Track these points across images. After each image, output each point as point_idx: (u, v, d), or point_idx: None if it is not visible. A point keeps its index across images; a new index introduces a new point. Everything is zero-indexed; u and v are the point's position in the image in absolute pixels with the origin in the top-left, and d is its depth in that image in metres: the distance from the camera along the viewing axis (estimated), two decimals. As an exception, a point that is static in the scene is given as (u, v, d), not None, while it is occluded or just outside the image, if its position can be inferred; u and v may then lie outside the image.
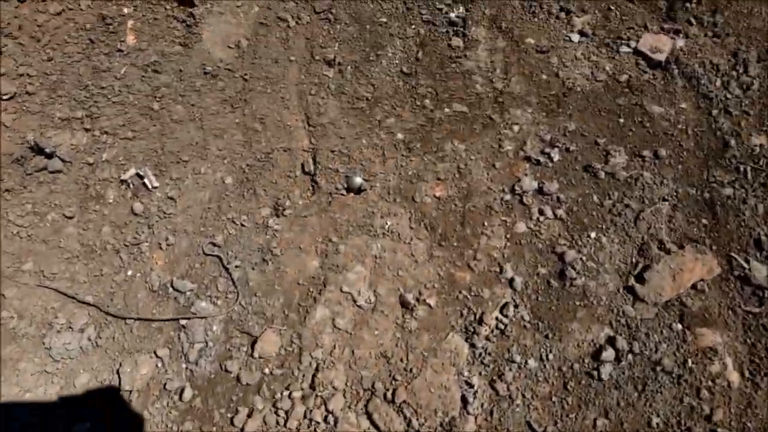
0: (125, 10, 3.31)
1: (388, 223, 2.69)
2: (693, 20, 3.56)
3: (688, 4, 3.58)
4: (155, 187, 2.70)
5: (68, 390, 2.36)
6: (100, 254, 2.57)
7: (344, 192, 2.76)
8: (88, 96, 3.05)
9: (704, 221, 2.83)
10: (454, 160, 2.93)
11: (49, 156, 2.81)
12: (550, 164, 2.95)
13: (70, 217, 2.65)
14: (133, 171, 2.75)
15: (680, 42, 3.42)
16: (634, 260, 2.74)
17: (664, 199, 2.90)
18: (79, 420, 2.29)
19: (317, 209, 2.74)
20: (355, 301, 2.47)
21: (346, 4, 3.39)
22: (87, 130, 2.96)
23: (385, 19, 3.37)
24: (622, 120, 3.09)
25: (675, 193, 2.89)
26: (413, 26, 3.37)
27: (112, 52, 3.20)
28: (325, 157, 2.90)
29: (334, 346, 2.42)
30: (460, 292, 2.56)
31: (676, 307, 2.63)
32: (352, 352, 2.39)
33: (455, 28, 3.41)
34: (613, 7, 3.53)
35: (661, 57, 3.34)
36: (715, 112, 3.16)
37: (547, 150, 2.99)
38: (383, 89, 3.18)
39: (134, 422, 2.27)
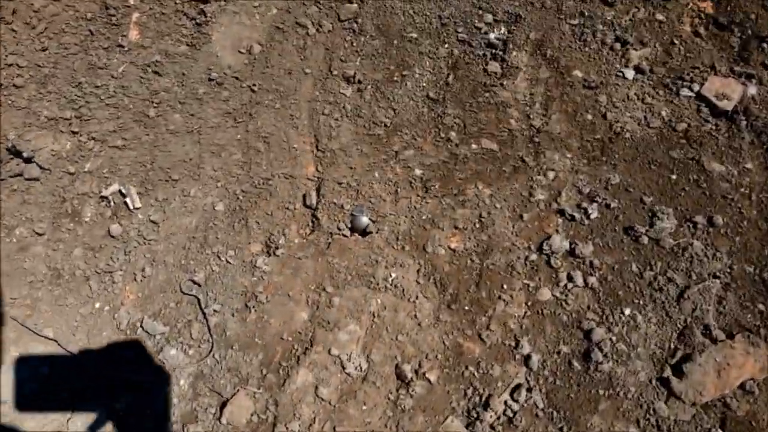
0: (131, 1, 3.05)
1: (393, 275, 2.38)
2: (769, 64, 3.14)
3: (765, 44, 3.16)
4: (137, 209, 2.44)
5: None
6: (68, 280, 2.33)
7: (347, 233, 2.47)
8: (80, 95, 2.81)
9: (761, 306, 2.46)
10: (476, 206, 2.60)
11: (27, 160, 2.57)
12: (586, 221, 2.60)
13: (41, 234, 2.41)
14: (115, 187, 2.50)
15: (752, 89, 3.02)
16: (672, 346, 2.39)
17: (715, 276, 2.53)
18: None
19: (314, 251, 2.45)
20: (343, 367, 2.18)
21: (374, 14, 3.08)
22: (74, 133, 2.72)
23: (415, 35, 3.04)
24: (674, 176, 2.72)
25: (729, 270, 2.52)
26: (446, 45, 3.04)
27: (112, 47, 2.95)
28: (330, 190, 2.60)
29: (314, 419, 2.14)
30: (466, 368, 2.25)
31: (717, 409, 2.27)
32: (334, 428, 2.11)
33: (494, 51, 3.07)
34: (677, 41, 3.14)
35: (728, 105, 2.95)
36: (786, 176, 2.76)
37: (584, 204, 2.65)
38: (405, 115, 2.86)
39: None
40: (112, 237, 2.46)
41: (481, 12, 3.19)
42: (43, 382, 2.27)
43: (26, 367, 2.29)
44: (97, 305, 2.34)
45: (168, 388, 2.25)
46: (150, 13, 3.07)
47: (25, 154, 2.56)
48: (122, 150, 2.72)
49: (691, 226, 2.68)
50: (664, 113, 2.96)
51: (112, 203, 2.52)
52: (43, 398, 2.28)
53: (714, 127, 2.95)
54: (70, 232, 2.45)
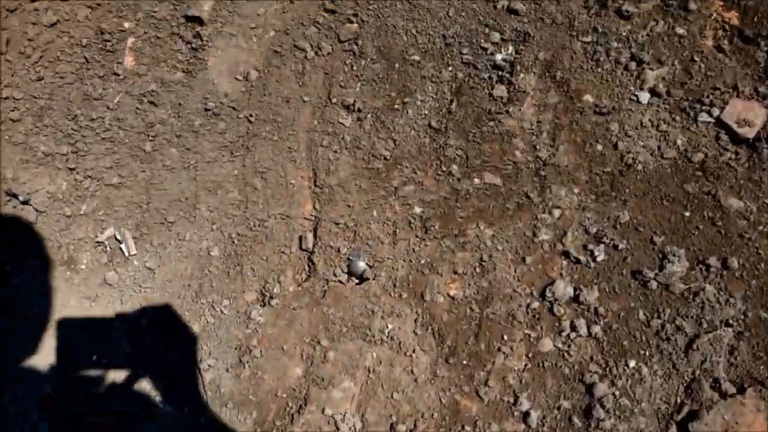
0: (126, 25, 2.77)
1: (390, 326, 2.17)
2: (797, 82, 2.72)
3: None
4: (133, 255, 2.23)
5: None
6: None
7: (343, 279, 2.25)
8: (76, 128, 2.58)
9: (775, 357, 2.18)
10: (477, 248, 2.34)
11: (24, 202, 2.37)
12: (593, 264, 2.33)
13: (37, 283, 2.23)
14: (111, 231, 2.31)
15: (776, 113, 2.63)
16: (679, 400, 2.15)
17: (728, 324, 2.26)
18: None
19: (309, 300, 2.24)
20: (337, 428, 2.00)
21: (375, 35, 2.75)
22: (70, 170, 2.51)
23: (418, 57, 2.71)
24: (688, 213, 2.41)
25: (742, 317, 2.24)
26: (450, 68, 2.71)
27: (108, 75, 2.70)
28: (327, 231, 2.36)
29: (307, 482, 1.97)
30: (462, 427, 2.06)
31: (723, 469, 2.04)
32: (326, 493, 1.95)
33: (500, 74, 2.73)
34: (697, 58, 2.75)
35: (750, 133, 2.59)
36: (808, 212, 2.41)
37: (590, 246, 2.37)
38: (405, 147, 2.58)
39: None
40: (109, 285, 2.28)
41: (487, 30, 2.82)
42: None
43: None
44: (94, 358, 2.17)
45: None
46: (145, 37, 2.79)
47: (21, 198, 2.36)
48: (118, 189, 2.50)
49: (703, 268, 2.39)
50: (679, 142, 2.61)
51: (107, 248, 2.33)
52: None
53: (733, 156, 2.60)
54: (67, 281, 2.28)
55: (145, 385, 2.20)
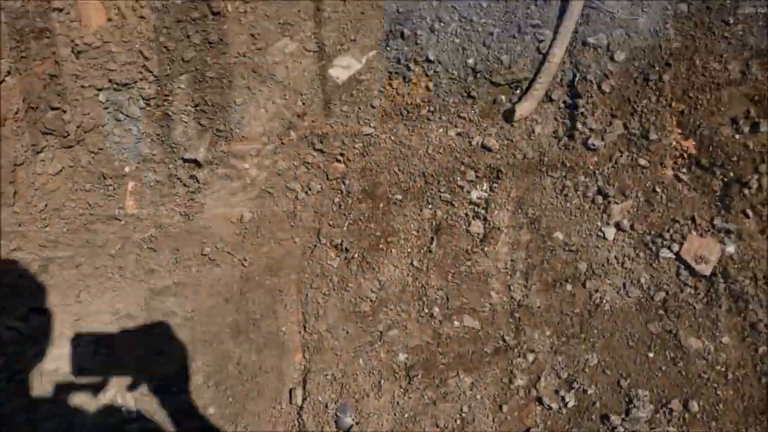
0: (127, 169, 2.46)
1: (375, 490, 1.92)
2: (750, 212, 2.45)
3: (746, 190, 2.45)
4: (134, 419, 1.97)
5: None
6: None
7: (331, 437, 1.99)
8: (80, 278, 2.31)
9: (732, 501, 1.96)
10: (457, 399, 2.10)
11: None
12: (564, 411, 2.10)
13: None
14: (113, 393, 2.02)
15: (731, 247, 2.40)
16: None
17: (690, 469, 2.02)
18: None
19: (300, 463, 1.99)
20: None
21: (361, 174, 2.47)
22: (76, 320, 2.20)
23: (400, 197, 2.43)
24: (652, 354, 2.18)
25: (703, 461, 2.00)
26: (430, 206, 2.44)
27: (111, 220, 2.39)
28: (316, 384, 2.12)
29: None
30: None
31: None
32: None
33: (476, 210, 2.44)
34: (658, 189, 2.49)
35: (706, 270, 2.35)
36: (762, 349, 2.20)
37: (562, 392, 2.14)
38: (390, 288, 2.32)
39: None
40: (111, 449, 2.02)
41: (463, 168, 2.55)
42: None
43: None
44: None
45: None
46: (145, 180, 2.48)
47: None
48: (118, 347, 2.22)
49: (666, 411, 2.16)
50: (643, 280, 2.37)
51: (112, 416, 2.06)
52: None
53: (692, 292, 2.37)
54: (71, 448, 2.02)
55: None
